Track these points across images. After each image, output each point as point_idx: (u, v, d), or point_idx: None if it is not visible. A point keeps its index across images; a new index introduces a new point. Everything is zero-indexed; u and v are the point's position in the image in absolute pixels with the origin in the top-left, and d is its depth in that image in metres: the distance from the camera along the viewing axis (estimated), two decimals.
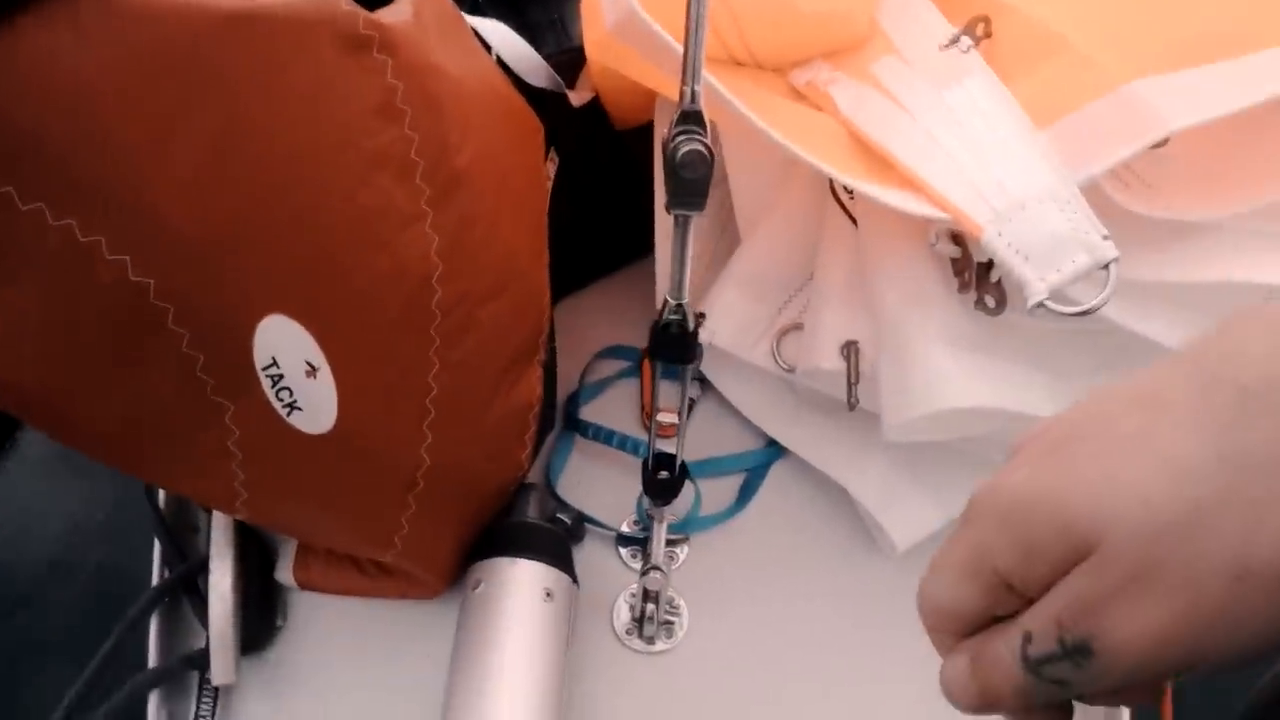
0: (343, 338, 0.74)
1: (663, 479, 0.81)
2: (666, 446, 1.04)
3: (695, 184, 0.60)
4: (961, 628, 0.43)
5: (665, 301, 0.70)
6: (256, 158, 0.66)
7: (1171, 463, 0.34)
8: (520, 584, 0.85)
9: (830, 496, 1.05)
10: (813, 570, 1.02)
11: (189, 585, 0.96)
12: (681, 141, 0.59)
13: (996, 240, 0.77)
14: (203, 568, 0.92)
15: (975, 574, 0.40)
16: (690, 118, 0.61)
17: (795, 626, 0.99)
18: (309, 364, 0.73)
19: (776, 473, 1.07)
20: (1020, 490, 0.38)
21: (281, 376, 0.72)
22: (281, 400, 0.73)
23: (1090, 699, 0.40)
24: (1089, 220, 0.76)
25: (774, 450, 1.07)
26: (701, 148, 0.60)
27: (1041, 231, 0.76)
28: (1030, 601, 0.38)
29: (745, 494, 1.05)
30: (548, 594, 0.85)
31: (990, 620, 0.41)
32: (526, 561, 0.87)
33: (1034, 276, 0.75)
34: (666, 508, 0.84)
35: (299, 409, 0.74)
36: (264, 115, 0.66)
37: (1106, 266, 0.75)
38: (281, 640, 0.97)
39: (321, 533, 0.86)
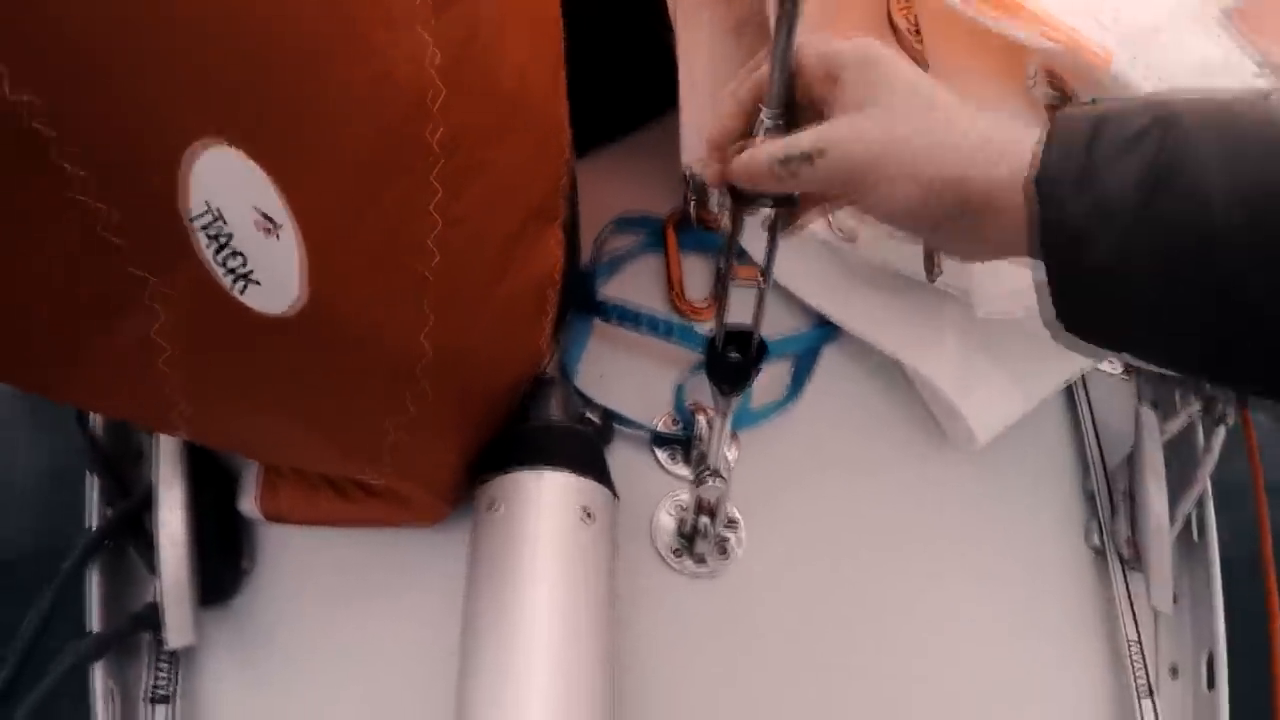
0: (311, 178, 0.50)
1: (734, 361, 0.59)
2: (702, 328, 0.83)
3: None
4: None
5: (757, 117, 0.48)
6: None
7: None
8: (551, 502, 0.63)
9: (891, 383, 0.85)
10: (878, 467, 0.81)
11: (134, 526, 0.73)
12: None
13: (1130, 69, 0.61)
14: (149, 503, 0.70)
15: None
16: None
17: (863, 535, 0.79)
18: (264, 215, 0.49)
19: (828, 357, 0.85)
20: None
21: (228, 237, 0.48)
22: (228, 268, 0.49)
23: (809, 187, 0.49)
24: (1239, 49, 0.63)
25: (824, 331, 0.85)
26: None
27: (1186, 58, 0.62)
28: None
29: (797, 381, 0.83)
30: (586, 513, 0.63)
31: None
32: (556, 473, 0.64)
33: None
34: (733, 400, 0.61)
35: (254, 281, 0.50)
36: None
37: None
38: (249, 587, 0.74)
39: (289, 451, 0.63)
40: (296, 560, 0.74)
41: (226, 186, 0.47)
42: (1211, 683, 0.78)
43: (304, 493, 0.71)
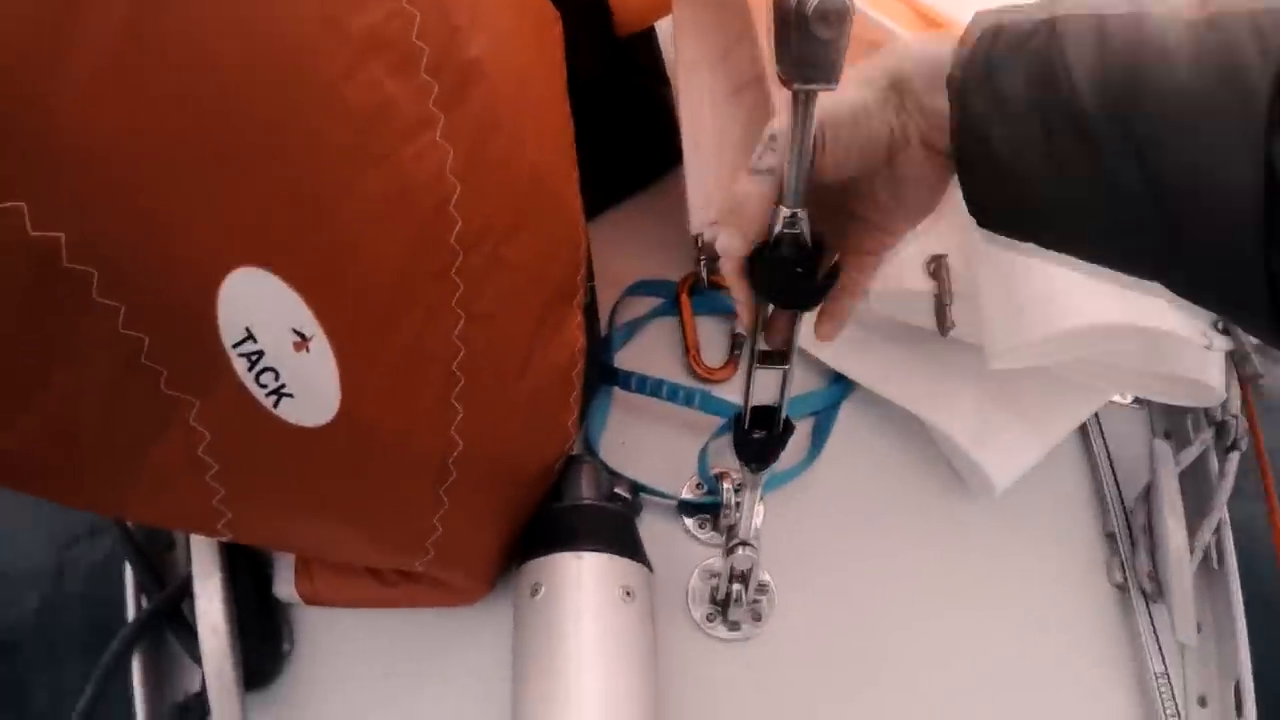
0: (340, 291, 0.49)
1: (759, 438, 0.58)
2: (720, 392, 0.82)
3: (829, 46, 0.39)
4: None
5: (776, 213, 0.47)
6: (195, 45, 0.42)
7: None
8: (592, 584, 0.62)
9: (909, 436, 0.83)
10: (900, 520, 0.80)
11: (173, 614, 0.72)
12: None
13: None
14: (187, 591, 0.69)
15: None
16: None
17: (890, 587, 0.77)
18: (297, 333, 0.48)
19: (846, 412, 0.84)
20: None
21: (260, 354, 0.47)
22: (264, 386, 0.48)
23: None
24: None
25: (842, 387, 0.84)
26: None
27: None
28: None
29: (817, 440, 0.82)
30: (627, 592, 0.62)
31: None
32: (595, 555, 0.63)
33: None
34: (761, 474, 0.61)
35: (288, 395, 0.49)
36: None
37: None
38: (291, 669, 0.73)
39: (334, 548, 0.62)
40: (336, 640, 0.73)
41: (259, 308, 0.47)
42: (1240, 710, 0.76)
43: (340, 576, 0.70)
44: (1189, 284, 0.41)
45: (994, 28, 0.43)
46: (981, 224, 0.46)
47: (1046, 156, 0.41)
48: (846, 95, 0.47)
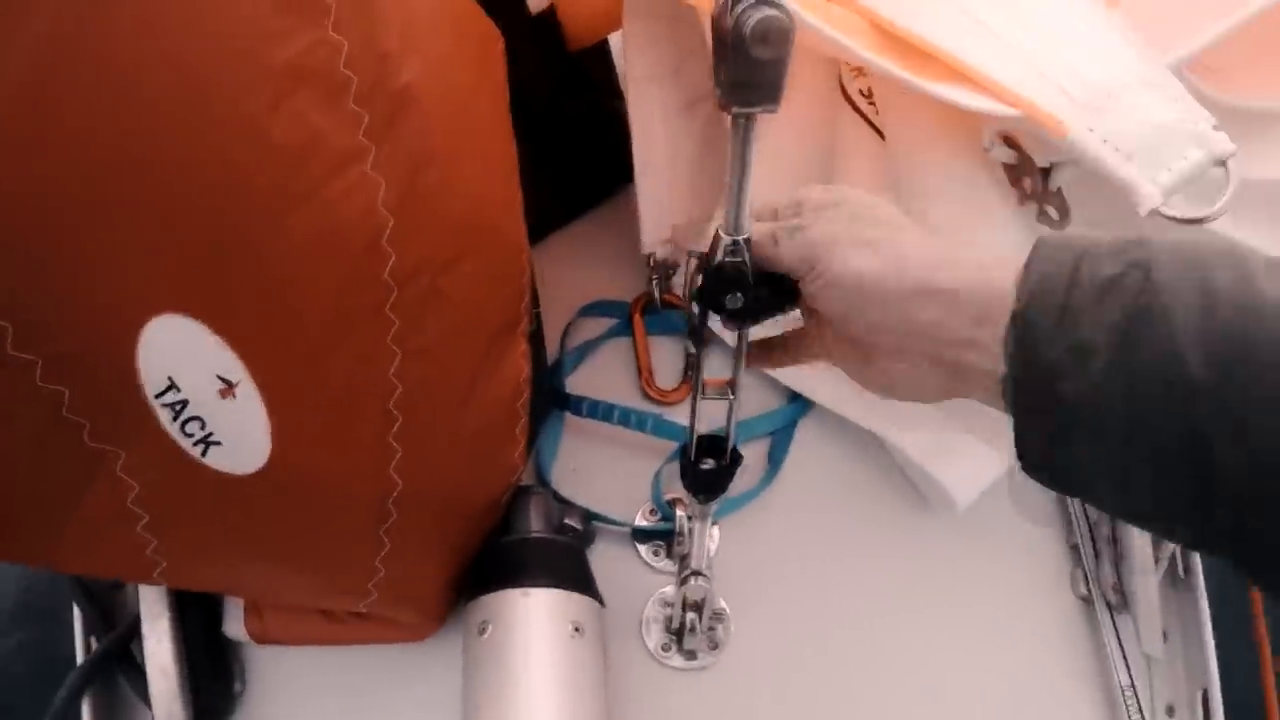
0: (267, 336, 0.48)
1: (708, 469, 0.57)
2: (674, 415, 0.81)
3: (769, 67, 0.38)
4: None
5: (716, 238, 0.47)
6: (109, 80, 0.40)
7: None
8: (541, 622, 0.61)
9: (868, 453, 0.82)
10: (860, 540, 0.79)
11: (122, 655, 0.70)
12: (750, 7, 0.36)
13: (1088, 137, 0.58)
14: (136, 632, 0.68)
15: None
16: None
17: (851, 609, 0.76)
18: (223, 379, 0.47)
19: (804, 430, 0.83)
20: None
21: (184, 404, 0.46)
22: (190, 435, 0.47)
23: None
24: (1194, 108, 0.58)
25: (797, 406, 0.83)
26: (780, 14, 0.37)
27: (1142, 123, 0.58)
28: None
29: (774, 461, 0.81)
30: (576, 629, 0.61)
31: None
32: (543, 591, 0.62)
33: (1143, 178, 0.56)
34: (710, 505, 0.60)
35: (216, 443, 0.48)
36: (116, 15, 0.39)
37: (1224, 163, 0.56)
38: (243, 709, 0.71)
39: (275, 592, 0.61)
40: (288, 679, 0.72)
41: (183, 356, 0.45)
42: (1208, 719, 0.76)
43: (291, 615, 0.69)
44: (1263, 559, 0.38)
45: (1073, 261, 0.39)
46: (1031, 474, 0.42)
47: (1130, 413, 0.37)
48: (892, 371, 0.49)
